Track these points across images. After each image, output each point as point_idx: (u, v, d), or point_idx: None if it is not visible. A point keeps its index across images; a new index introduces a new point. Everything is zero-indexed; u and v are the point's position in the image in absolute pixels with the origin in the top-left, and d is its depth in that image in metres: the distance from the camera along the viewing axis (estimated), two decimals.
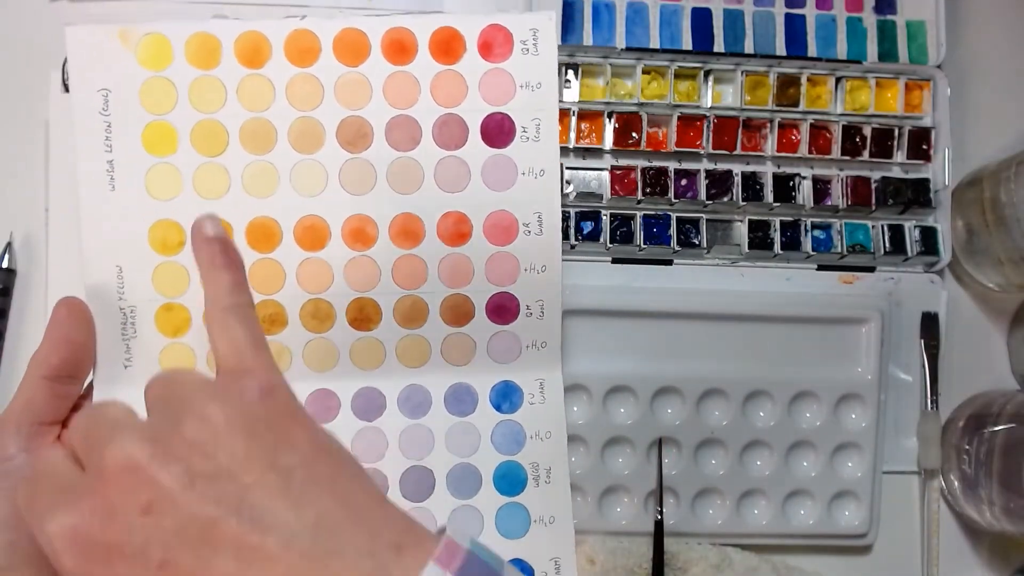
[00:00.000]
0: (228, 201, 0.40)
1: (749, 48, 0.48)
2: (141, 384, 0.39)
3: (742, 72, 0.48)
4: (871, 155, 0.49)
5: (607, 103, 0.47)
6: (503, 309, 0.42)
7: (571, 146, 0.47)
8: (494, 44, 0.40)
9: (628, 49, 0.47)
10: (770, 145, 0.48)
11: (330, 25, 0.40)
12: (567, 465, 0.43)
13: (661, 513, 0.46)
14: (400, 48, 0.40)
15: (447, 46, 0.40)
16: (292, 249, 0.40)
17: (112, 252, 0.40)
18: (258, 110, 0.40)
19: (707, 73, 0.48)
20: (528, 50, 0.40)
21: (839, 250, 0.48)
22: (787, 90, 0.48)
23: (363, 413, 0.42)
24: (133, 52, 0.39)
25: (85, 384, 0.39)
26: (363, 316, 0.41)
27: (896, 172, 0.49)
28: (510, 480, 0.42)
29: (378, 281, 0.41)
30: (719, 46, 0.48)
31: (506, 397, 0.43)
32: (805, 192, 0.49)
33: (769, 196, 0.48)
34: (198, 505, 0.26)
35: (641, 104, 0.47)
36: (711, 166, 0.48)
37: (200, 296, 0.40)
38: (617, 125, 0.47)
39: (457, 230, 0.41)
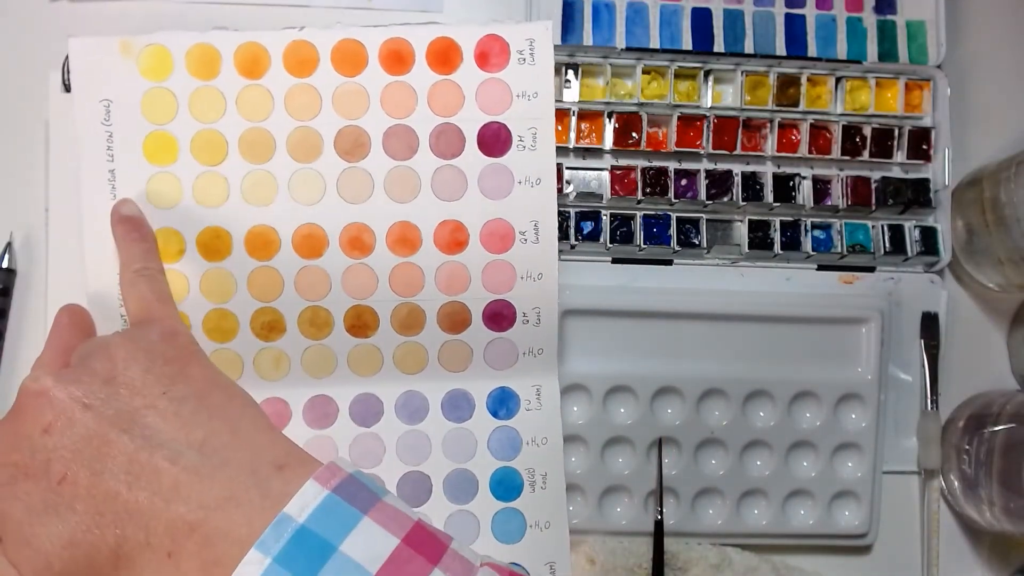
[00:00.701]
0: (227, 210, 0.40)
1: (749, 48, 0.48)
2: None
3: (742, 72, 0.48)
4: (871, 155, 0.49)
5: (607, 103, 0.47)
6: (500, 316, 0.42)
7: (571, 146, 0.47)
8: (491, 54, 0.40)
9: (628, 49, 0.47)
10: (770, 145, 0.48)
11: (328, 35, 0.40)
12: (563, 471, 0.43)
13: (661, 513, 0.46)
14: (397, 58, 0.40)
15: (444, 56, 0.40)
16: (290, 257, 0.41)
17: (113, 260, 0.40)
18: (257, 120, 0.40)
19: (707, 73, 0.48)
20: (525, 60, 0.40)
21: (839, 250, 0.48)
22: (787, 90, 0.48)
23: (361, 419, 0.42)
24: (134, 63, 0.40)
25: None
26: (361, 323, 0.41)
27: (896, 172, 0.49)
28: (506, 485, 0.42)
29: (375, 289, 0.41)
30: (719, 46, 0.48)
31: (503, 403, 0.43)
32: (805, 192, 0.49)
33: (769, 196, 0.48)
34: (94, 424, 0.29)
35: (641, 104, 0.47)
36: (711, 166, 0.48)
37: (198, 303, 0.40)
38: (617, 125, 0.47)
39: (454, 238, 0.41)
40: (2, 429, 0.30)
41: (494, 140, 0.41)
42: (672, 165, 0.48)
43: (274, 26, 0.44)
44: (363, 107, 0.40)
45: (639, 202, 0.48)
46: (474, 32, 0.40)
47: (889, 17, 0.50)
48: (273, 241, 0.41)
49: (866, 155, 0.49)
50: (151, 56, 0.40)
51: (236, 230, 0.41)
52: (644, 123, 0.47)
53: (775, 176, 0.48)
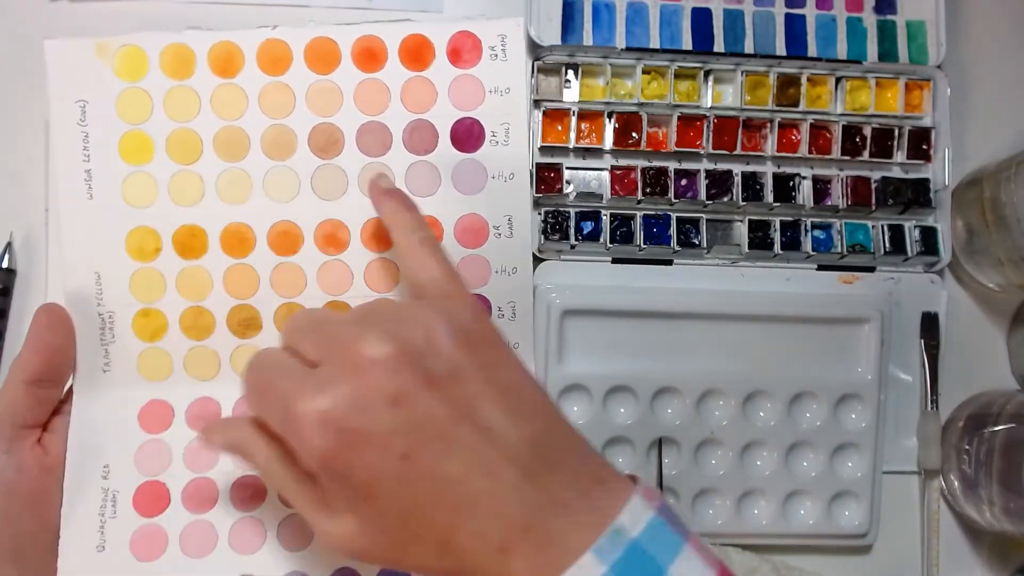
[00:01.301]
0: (202, 208, 0.40)
1: (749, 48, 0.48)
2: (119, 388, 0.40)
3: (742, 72, 0.48)
4: (871, 155, 0.49)
5: (607, 103, 0.47)
6: None
7: (571, 146, 0.47)
8: (463, 50, 0.40)
9: (628, 49, 0.47)
10: (770, 145, 0.48)
11: (301, 34, 0.40)
12: None
13: None
14: (370, 55, 0.40)
15: (416, 53, 0.40)
16: (266, 254, 0.41)
17: (90, 259, 0.40)
18: (231, 119, 0.40)
19: (707, 73, 0.48)
20: (496, 56, 0.40)
21: (839, 250, 0.48)
22: (787, 90, 0.48)
23: None
24: (109, 64, 0.40)
25: (65, 388, 0.39)
26: None
27: (896, 172, 0.49)
28: None
29: (351, 285, 0.41)
30: (719, 46, 0.48)
31: None
32: (805, 192, 0.49)
33: (769, 196, 0.48)
34: (437, 405, 0.28)
35: (641, 104, 0.47)
36: (711, 166, 0.48)
37: (175, 302, 0.41)
38: (617, 125, 0.47)
39: None
40: (343, 389, 0.28)
41: (467, 136, 0.41)
42: (672, 165, 0.48)
43: (276, 24, 0.44)
44: (336, 104, 0.41)
45: (639, 202, 0.48)
46: (446, 29, 0.40)
47: (889, 17, 0.50)
48: (248, 238, 0.41)
49: (866, 155, 0.49)
50: (126, 57, 0.40)
51: (212, 228, 0.41)
52: (644, 123, 0.47)
53: (775, 176, 0.48)
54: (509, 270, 0.42)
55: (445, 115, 0.41)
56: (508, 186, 0.41)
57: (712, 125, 0.48)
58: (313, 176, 0.41)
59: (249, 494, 0.40)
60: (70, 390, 0.40)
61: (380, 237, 0.41)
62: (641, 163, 0.47)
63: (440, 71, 0.41)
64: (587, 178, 0.47)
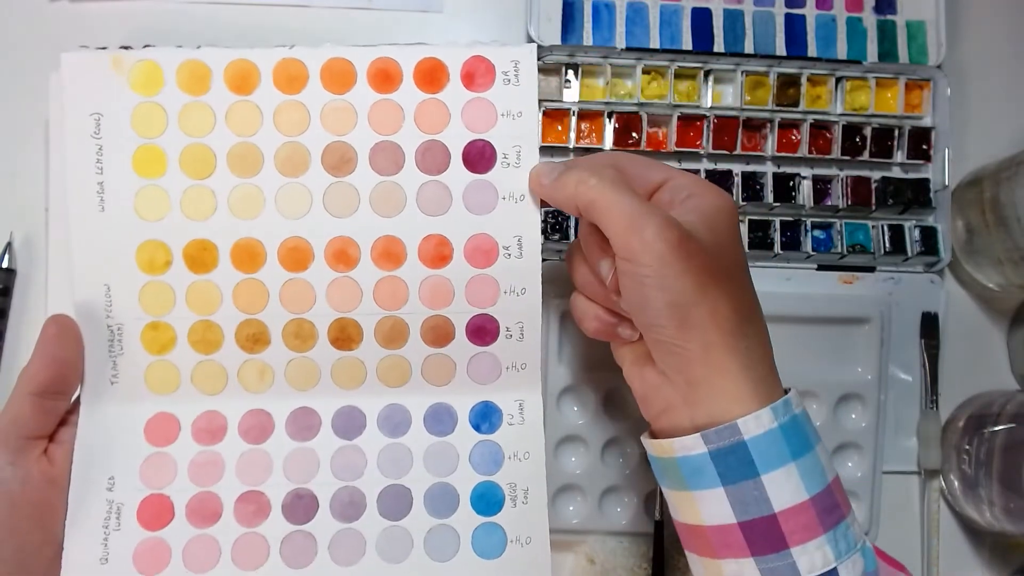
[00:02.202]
0: (214, 223, 0.41)
1: (749, 48, 0.48)
2: (126, 400, 0.40)
3: (742, 72, 0.48)
4: (871, 155, 0.49)
5: (607, 103, 0.47)
6: (483, 331, 0.42)
7: (571, 146, 0.47)
8: (476, 74, 0.41)
9: (628, 49, 0.47)
10: (770, 145, 0.48)
11: (317, 54, 0.41)
12: (545, 486, 0.42)
13: (661, 513, 0.46)
14: (385, 77, 0.41)
15: (431, 76, 0.41)
16: (276, 270, 0.41)
17: (101, 271, 0.40)
18: (246, 135, 0.41)
19: (707, 73, 0.48)
20: (509, 80, 0.41)
21: (839, 250, 0.48)
22: (787, 90, 0.48)
23: (343, 432, 0.42)
24: (125, 78, 0.40)
25: (72, 399, 0.39)
26: (344, 336, 0.41)
27: (896, 172, 0.49)
28: (487, 500, 0.42)
29: (360, 302, 0.41)
30: (719, 46, 0.48)
31: (485, 418, 0.42)
32: (805, 192, 0.49)
33: (769, 196, 0.48)
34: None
35: (641, 104, 0.47)
36: (711, 166, 0.48)
37: (184, 315, 0.41)
38: (617, 125, 0.47)
39: (438, 253, 0.41)
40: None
41: (479, 157, 0.41)
42: (672, 165, 0.48)
43: (273, 24, 0.44)
44: (351, 124, 0.41)
45: None
46: (461, 53, 0.41)
47: (889, 17, 0.50)
48: (259, 254, 0.41)
49: (866, 155, 0.49)
50: (142, 71, 0.40)
51: (223, 243, 0.41)
52: (644, 123, 0.47)
53: (775, 176, 0.48)
54: (518, 290, 0.42)
55: (458, 136, 0.41)
56: (519, 207, 0.41)
57: (712, 125, 0.48)
58: (325, 193, 0.41)
59: (253, 510, 0.40)
60: (77, 400, 0.40)
61: (390, 255, 0.41)
62: None
63: (454, 94, 0.41)
64: None
